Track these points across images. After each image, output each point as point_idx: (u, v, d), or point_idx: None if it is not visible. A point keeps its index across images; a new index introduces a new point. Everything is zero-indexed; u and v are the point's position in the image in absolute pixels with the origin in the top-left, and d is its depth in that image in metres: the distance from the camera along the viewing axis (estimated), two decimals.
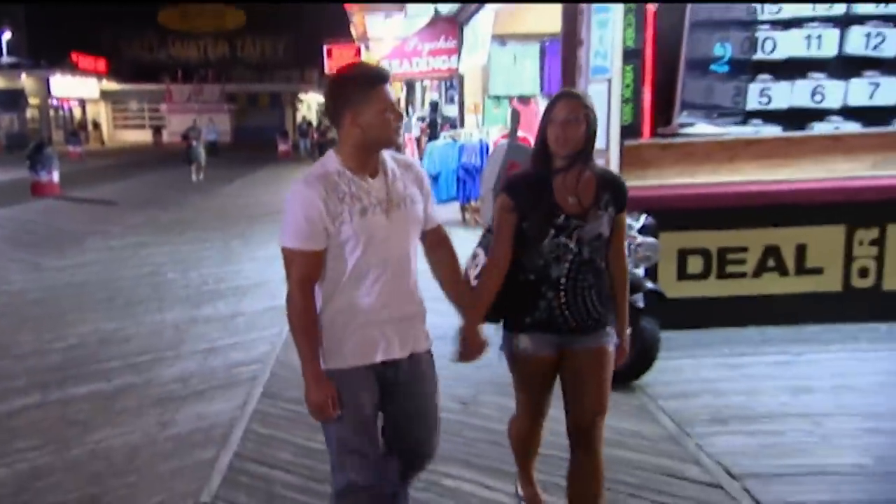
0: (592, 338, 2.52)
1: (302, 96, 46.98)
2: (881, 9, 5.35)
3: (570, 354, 2.53)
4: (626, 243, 2.77)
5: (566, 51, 5.56)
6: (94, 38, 42.25)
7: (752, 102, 5.45)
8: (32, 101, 37.66)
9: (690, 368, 4.50)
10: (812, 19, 5.39)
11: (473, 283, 2.65)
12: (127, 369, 4.94)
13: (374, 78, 2.20)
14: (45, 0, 37.24)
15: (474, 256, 2.76)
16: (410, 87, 20.63)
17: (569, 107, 2.43)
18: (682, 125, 5.53)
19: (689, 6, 5.42)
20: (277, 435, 3.84)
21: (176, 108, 43.12)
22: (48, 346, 5.50)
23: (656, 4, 5.23)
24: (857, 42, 5.38)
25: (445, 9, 12.28)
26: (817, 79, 5.43)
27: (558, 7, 5.74)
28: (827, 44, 5.39)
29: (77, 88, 40.59)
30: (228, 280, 7.56)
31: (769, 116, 5.48)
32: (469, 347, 2.49)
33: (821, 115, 5.47)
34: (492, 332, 2.56)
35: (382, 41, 16.95)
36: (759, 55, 5.41)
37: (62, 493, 3.35)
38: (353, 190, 2.19)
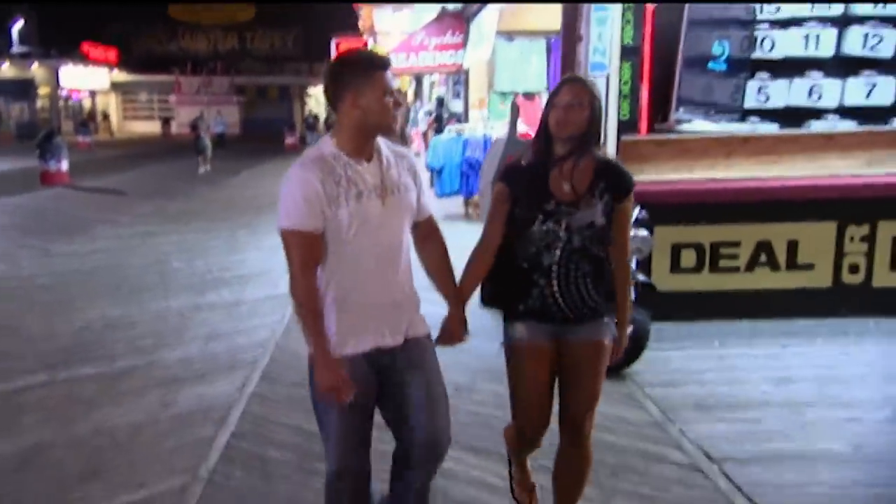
0: (589, 329, 2.47)
1: (310, 89, 47.00)
2: (879, 9, 5.41)
3: (567, 348, 2.49)
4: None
5: (566, 47, 5.66)
6: (105, 29, 42.48)
7: (750, 100, 5.52)
8: (42, 90, 37.84)
9: (679, 359, 4.59)
10: (810, 19, 5.45)
11: None
12: (132, 352, 5.06)
13: (376, 62, 2.21)
14: None
15: None
16: (419, 82, 20.72)
17: (573, 91, 2.39)
18: (680, 121, 5.61)
19: (687, 5, 5.50)
20: (274, 416, 3.95)
21: (185, 100, 43.24)
22: (56, 330, 5.62)
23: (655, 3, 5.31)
24: (855, 42, 5.44)
25: (452, 5, 12.35)
26: (815, 78, 5.50)
27: (560, 6, 5.83)
28: (825, 43, 5.46)
29: (87, 79, 40.79)
30: (233, 269, 7.68)
31: (767, 114, 5.55)
32: (449, 330, 2.45)
33: (818, 113, 5.54)
34: (490, 325, 2.56)
35: (390, 35, 17.02)
36: (757, 53, 5.47)
37: (65, 466, 3.46)
38: (349, 174, 2.18)
